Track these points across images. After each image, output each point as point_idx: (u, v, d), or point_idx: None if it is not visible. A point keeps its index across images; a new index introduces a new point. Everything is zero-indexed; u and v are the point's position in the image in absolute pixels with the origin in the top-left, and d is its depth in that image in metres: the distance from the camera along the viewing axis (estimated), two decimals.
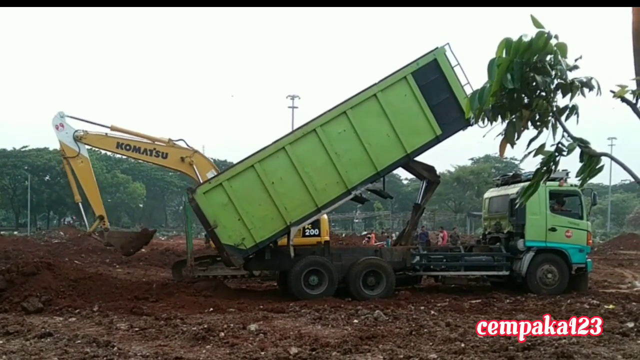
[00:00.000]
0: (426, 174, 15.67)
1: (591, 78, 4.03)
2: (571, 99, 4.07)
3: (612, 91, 4.02)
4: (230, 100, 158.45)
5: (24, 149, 75.06)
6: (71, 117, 17.15)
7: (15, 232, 53.64)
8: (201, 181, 15.70)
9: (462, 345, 8.51)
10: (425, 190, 16.12)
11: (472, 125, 14.11)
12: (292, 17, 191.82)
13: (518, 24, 3.97)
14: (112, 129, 17.23)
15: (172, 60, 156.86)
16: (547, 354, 7.82)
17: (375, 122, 14.08)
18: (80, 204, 18.10)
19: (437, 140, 14.51)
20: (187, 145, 17.35)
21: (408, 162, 14.86)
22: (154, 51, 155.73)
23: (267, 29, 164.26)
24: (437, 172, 16.42)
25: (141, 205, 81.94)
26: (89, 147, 17.94)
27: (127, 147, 17.21)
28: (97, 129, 17.35)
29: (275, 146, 13.90)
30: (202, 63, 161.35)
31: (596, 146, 4.17)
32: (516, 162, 65.86)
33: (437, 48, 14.29)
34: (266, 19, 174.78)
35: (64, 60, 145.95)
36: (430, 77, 14.17)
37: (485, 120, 4.25)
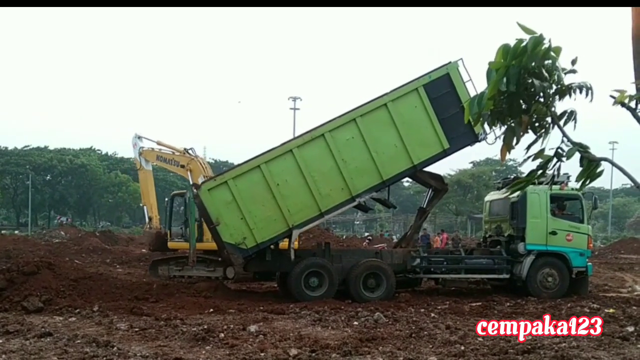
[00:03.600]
0: (433, 182, 15.71)
1: (586, 83, 4.06)
2: (561, 99, 4.09)
3: (612, 96, 4.03)
4: (233, 102, 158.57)
5: (25, 148, 75.21)
6: (144, 137, 20.71)
7: (16, 232, 53.67)
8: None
9: (462, 348, 8.51)
10: (432, 197, 16.15)
11: (480, 141, 14.21)
12: (295, 18, 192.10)
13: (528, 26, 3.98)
14: (158, 143, 20.20)
15: (175, 61, 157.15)
16: (547, 357, 7.83)
17: (384, 131, 14.10)
18: (144, 207, 21.72)
19: (444, 153, 14.55)
20: (194, 153, 19.19)
21: (415, 173, 14.90)
22: (156, 51, 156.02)
23: (269, 30, 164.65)
24: (445, 180, 16.46)
25: (142, 205, 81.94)
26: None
27: (161, 159, 19.97)
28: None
29: (282, 148, 13.92)
30: (204, 64, 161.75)
31: (598, 150, 4.18)
32: (516, 166, 65.93)
33: (450, 62, 14.32)
34: (269, 20, 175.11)
35: (69, 59, 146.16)
36: (442, 90, 14.17)
37: (493, 136, 4.31)
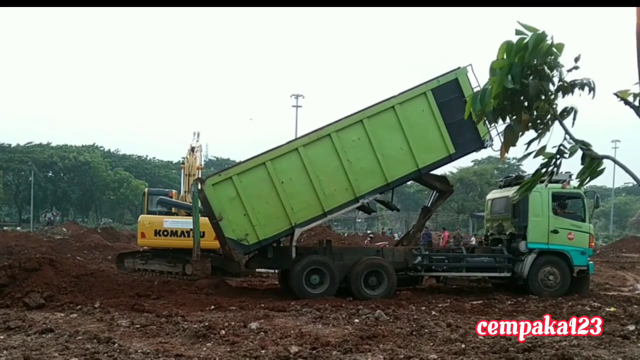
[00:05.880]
0: (439, 184, 15.75)
1: (589, 79, 4.04)
2: (564, 96, 4.08)
3: (615, 94, 4.02)
4: (235, 99, 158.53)
5: (28, 145, 75.32)
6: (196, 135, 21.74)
7: (18, 228, 53.69)
8: (182, 183, 18.65)
9: (463, 346, 8.50)
10: (437, 198, 16.14)
11: (485, 147, 14.21)
12: (298, 17, 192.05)
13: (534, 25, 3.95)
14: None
15: (178, 58, 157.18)
16: (547, 355, 7.81)
17: (391, 134, 14.11)
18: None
19: (449, 158, 14.59)
20: (191, 154, 19.94)
21: (419, 176, 14.89)
22: (159, 49, 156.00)
23: (272, 28, 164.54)
24: (450, 182, 16.48)
25: None
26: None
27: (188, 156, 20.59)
28: None
29: (288, 146, 13.94)
30: (206, 61, 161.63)
31: (600, 148, 4.16)
32: (519, 164, 65.81)
33: (459, 68, 14.33)
34: (272, 18, 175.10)
35: (72, 56, 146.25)
36: (450, 95, 14.14)
37: (495, 141, 4.32)
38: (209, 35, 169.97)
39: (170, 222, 17.70)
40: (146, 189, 21.74)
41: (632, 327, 10.03)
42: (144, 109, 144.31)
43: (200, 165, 20.36)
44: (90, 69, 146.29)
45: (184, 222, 17.53)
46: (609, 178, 65.36)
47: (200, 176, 18.72)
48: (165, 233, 17.52)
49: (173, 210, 18.99)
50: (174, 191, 21.51)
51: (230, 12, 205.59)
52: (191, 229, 16.76)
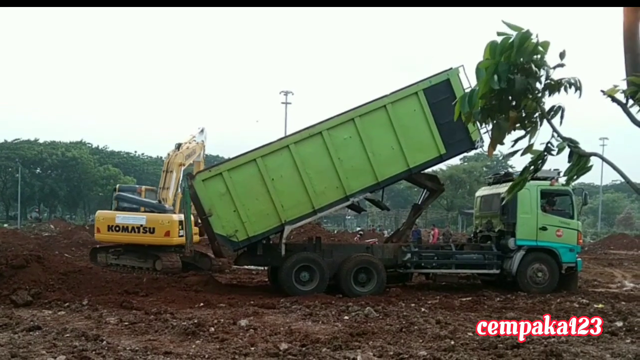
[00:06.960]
0: (430, 184, 15.82)
1: (576, 79, 4.05)
2: (551, 94, 4.09)
3: (602, 91, 4.03)
4: (224, 95, 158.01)
5: (15, 141, 74.66)
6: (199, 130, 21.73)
7: (5, 225, 53.23)
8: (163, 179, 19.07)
9: (452, 342, 8.53)
10: (428, 197, 16.19)
11: (476, 148, 14.26)
12: (288, 14, 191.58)
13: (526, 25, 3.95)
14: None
15: (165, 55, 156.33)
16: (536, 352, 7.85)
17: (382, 133, 14.12)
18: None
19: (440, 159, 14.65)
20: (177, 150, 19.92)
21: (410, 175, 14.91)
22: (147, 45, 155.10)
23: (261, 25, 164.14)
24: (440, 181, 16.53)
25: None
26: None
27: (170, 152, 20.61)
28: None
29: (279, 143, 13.92)
30: (195, 58, 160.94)
31: (588, 146, 4.18)
32: (505, 160, 66.06)
33: (451, 68, 14.36)
34: (261, 16, 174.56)
35: (55, 55, 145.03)
36: (441, 96, 14.14)
37: (485, 141, 4.32)
38: (197, 32, 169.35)
39: (122, 218, 18.10)
40: (117, 186, 22.04)
41: (619, 324, 10.11)
42: (132, 106, 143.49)
43: (184, 162, 20.21)
44: (78, 66, 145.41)
45: (134, 218, 18.10)
46: (597, 175, 65.94)
47: (182, 173, 18.82)
48: (117, 228, 18.02)
49: (142, 208, 19.08)
50: (143, 187, 21.54)
51: (218, 8, 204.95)
52: (141, 225, 17.66)
